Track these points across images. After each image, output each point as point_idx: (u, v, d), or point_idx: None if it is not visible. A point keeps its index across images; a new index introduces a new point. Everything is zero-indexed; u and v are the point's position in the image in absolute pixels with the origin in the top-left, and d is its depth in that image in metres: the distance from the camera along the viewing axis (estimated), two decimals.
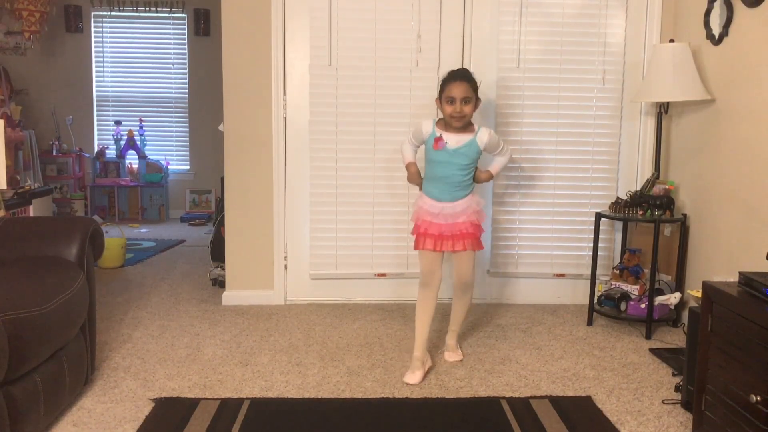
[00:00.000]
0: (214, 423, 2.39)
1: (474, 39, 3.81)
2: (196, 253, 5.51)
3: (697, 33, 3.49)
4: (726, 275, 2.95)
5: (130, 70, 7.43)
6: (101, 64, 7.39)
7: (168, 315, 3.72)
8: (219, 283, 4.27)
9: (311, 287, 3.96)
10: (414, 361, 2.87)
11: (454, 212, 2.93)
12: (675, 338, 3.44)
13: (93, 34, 7.35)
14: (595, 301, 3.64)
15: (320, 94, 3.80)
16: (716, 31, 3.31)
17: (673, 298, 3.44)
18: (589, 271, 3.70)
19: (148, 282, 4.48)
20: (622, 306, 3.54)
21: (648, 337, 3.42)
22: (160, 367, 2.93)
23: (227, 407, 2.52)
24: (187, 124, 7.53)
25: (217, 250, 4.35)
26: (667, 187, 3.51)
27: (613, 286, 3.64)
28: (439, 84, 2.95)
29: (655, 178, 3.66)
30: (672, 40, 3.53)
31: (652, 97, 3.61)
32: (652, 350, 3.24)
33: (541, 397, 2.67)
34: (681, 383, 2.62)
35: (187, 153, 7.58)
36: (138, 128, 7.39)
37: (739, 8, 3.13)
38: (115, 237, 5.02)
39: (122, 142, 7.39)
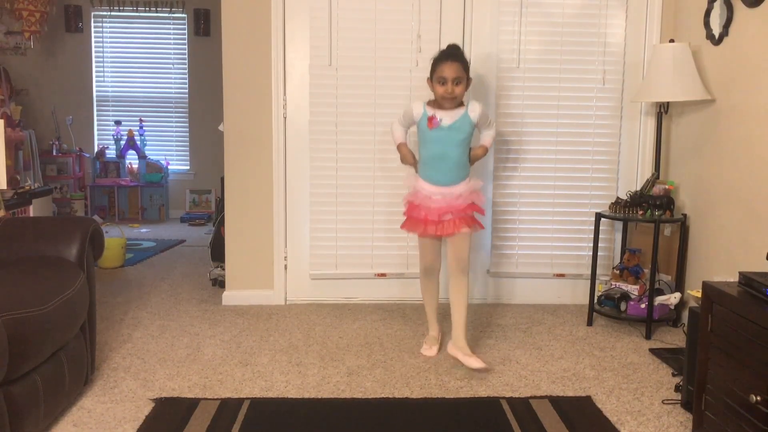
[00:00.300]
0: (214, 423, 2.39)
1: (474, 39, 3.81)
2: (196, 253, 5.51)
3: (697, 33, 3.49)
4: (726, 275, 2.95)
5: (130, 70, 7.43)
6: (101, 64, 7.39)
7: (168, 315, 3.72)
8: (219, 283, 4.27)
9: (311, 287, 3.96)
10: (430, 339, 3.16)
11: (452, 196, 2.95)
12: (675, 338, 3.44)
13: (93, 34, 7.35)
14: (595, 301, 3.64)
15: (320, 94, 3.80)
16: (716, 31, 3.31)
17: (673, 298, 3.44)
18: (589, 271, 3.70)
19: (148, 282, 4.48)
20: (622, 306, 3.54)
21: (648, 337, 3.42)
22: (160, 367, 2.93)
23: (227, 407, 2.52)
24: (187, 124, 7.53)
25: (217, 250, 4.35)
26: (667, 187, 3.51)
27: (613, 286, 3.64)
28: (431, 64, 2.96)
29: (655, 178, 3.65)
30: (672, 40, 3.53)
31: (652, 97, 3.61)
32: (652, 350, 3.23)
33: (541, 397, 2.67)
34: (681, 383, 2.62)
35: (187, 153, 7.58)
36: (138, 128, 7.39)
37: (739, 8, 3.13)
38: (115, 237, 5.02)
39: (122, 142, 7.39)
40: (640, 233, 3.80)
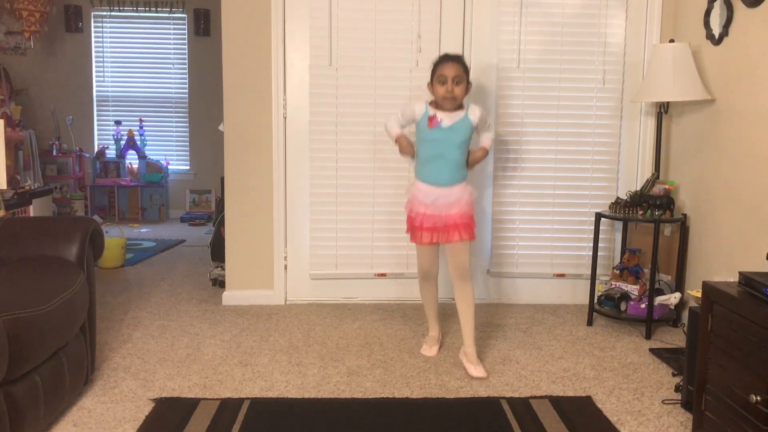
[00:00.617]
0: (214, 423, 2.39)
1: (474, 39, 3.81)
2: (196, 253, 5.51)
3: (697, 33, 3.49)
4: (726, 275, 2.96)
5: (130, 70, 7.43)
6: (101, 64, 7.39)
7: (168, 315, 3.72)
8: (219, 283, 4.27)
9: (311, 287, 3.96)
10: (430, 339, 3.19)
11: (448, 201, 2.93)
12: (675, 338, 3.44)
13: (93, 34, 7.35)
14: (595, 301, 3.64)
15: (320, 94, 3.80)
16: (716, 31, 3.31)
17: (673, 298, 3.44)
18: (589, 271, 3.70)
19: (148, 282, 4.48)
20: (622, 306, 3.54)
21: (648, 337, 3.42)
22: (160, 367, 2.93)
23: (227, 407, 2.52)
24: (187, 124, 7.53)
25: (217, 250, 4.35)
26: (667, 187, 3.51)
27: (613, 286, 3.64)
28: (431, 68, 2.96)
29: (655, 178, 3.65)
30: (672, 40, 3.53)
31: (652, 97, 3.61)
32: (652, 350, 3.23)
33: (541, 397, 2.67)
34: (681, 383, 2.62)
35: (187, 153, 7.58)
36: (138, 128, 7.39)
37: (739, 8, 3.13)
38: (115, 237, 5.02)
39: (122, 142, 7.39)
40: (640, 233, 3.80)
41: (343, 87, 3.80)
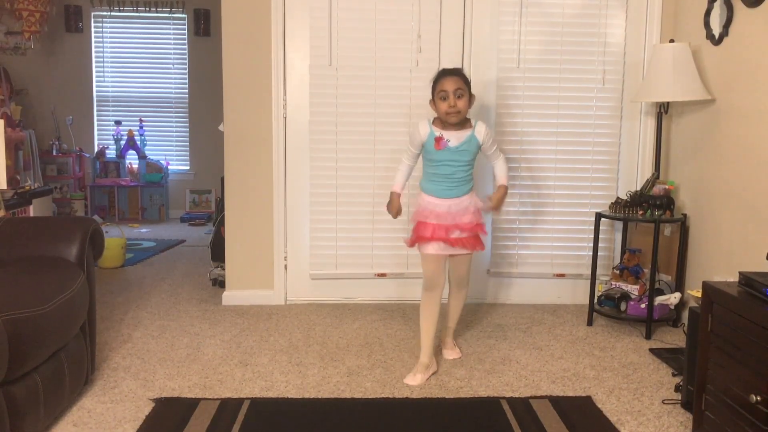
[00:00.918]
0: (214, 423, 2.39)
1: (474, 39, 3.81)
2: (196, 253, 5.51)
3: (697, 33, 3.49)
4: (726, 275, 2.95)
5: (130, 70, 7.43)
6: (101, 64, 7.39)
7: (168, 315, 3.72)
8: (219, 283, 4.27)
9: (311, 287, 3.96)
10: (419, 366, 2.89)
11: (460, 209, 2.89)
12: (675, 338, 3.44)
13: (93, 34, 7.35)
14: (595, 301, 3.64)
15: (320, 94, 3.80)
16: (716, 31, 3.31)
17: (673, 298, 3.44)
18: (589, 271, 3.70)
19: (148, 282, 4.48)
20: (622, 306, 3.54)
21: (648, 337, 3.42)
22: (160, 367, 2.93)
23: (227, 407, 2.52)
24: (187, 124, 7.53)
25: (217, 250, 4.35)
26: (667, 187, 3.51)
27: (613, 286, 3.64)
28: (431, 85, 2.90)
29: (655, 178, 3.65)
30: (672, 40, 3.53)
31: (652, 97, 3.61)
32: (652, 350, 3.23)
33: (541, 397, 2.67)
34: (681, 383, 2.62)
35: (187, 153, 7.58)
36: (138, 128, 7.39)
37: (739, 8, 3.13)
38: (115, 237, 5.02)
39: (122, 142, 7.39)
40: (640, 233, 3.80)
41: (343, 87, 3.80)
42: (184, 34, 7.40)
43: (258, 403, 2.56)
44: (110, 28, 7.37)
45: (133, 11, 7.30)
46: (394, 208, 3.06)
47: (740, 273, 2.14)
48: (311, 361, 3.03)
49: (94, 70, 7.38)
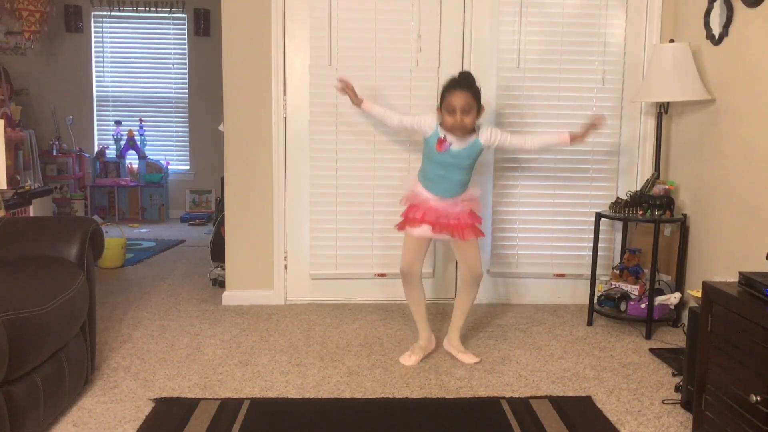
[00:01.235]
0: (214, 423, 2.39)
1: (474, 39, 3.81)
2: (196, 253, 5.51)
3: (697, 33, 3.49)
4: (726, 275, 2.95)
5: (130, 70, 7.44)
6: (101, 64, 7.39)
7: (168, 315, 3.72)
8: (219, 283, 4.27)
9: (311, 287, 3.96)
10: (416, 347, 3.03)
11: (454, 202, 2.95)
12: (675, 338, 3.44)
13: (93, 34, 7.35)
14: (595, 301, 3.64)
15: (320, 94, 3.80)
16: (716, 31, 3.31)
17: (673, 298, 3.44)
18: (589, 271, 3.70)
19: (148, 282, 4.48)
20: (622, 306, 3.54)
21: (648, 337, 3.42)
22: (160, 367, 2.93)
23: (227, 407, 2.52)
24: (187, 124, 7.53)
25: (217, 250, 4.35)
26: (667, 187, 3.51)
27: (613, 286, 3.64)
28: (440, 91, 2.90)
29: (655, 178, 3.65)
30: (672, 40, 3.53)
31: (652, 97, 3.61)
32: (652, 350, 3.23)
33: (541, 397, 2.67)
34: (681, 383, 2.62)
35: (187, 153, 7.58)
36: (138, 128, 7.39)
37: (739, 8, 3.13)
38: (115, 237, 5.02)
39: (122, 142, 7.39)
40: (640, 233, 3.80)
41: None
42: (184, 34, 7.40)
43: (258, 403, 2.56)
44: (110, 28, 7.37)
45: (133, 11, 7.30)
46: (344, 86, 3.18)
47: (740, 273, 2.14)
48: (311, 361, 3.03)
49: (94, 70, 7.38)
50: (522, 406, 2.57)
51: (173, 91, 7.50)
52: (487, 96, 3.82)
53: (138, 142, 7.37)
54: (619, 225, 3.89)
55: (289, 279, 3.95)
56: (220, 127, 3.91)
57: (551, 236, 3.95)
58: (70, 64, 7.30)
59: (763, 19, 2.97)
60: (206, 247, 5.07)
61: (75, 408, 2.50)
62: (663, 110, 3.66)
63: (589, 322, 3.64)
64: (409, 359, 2.97)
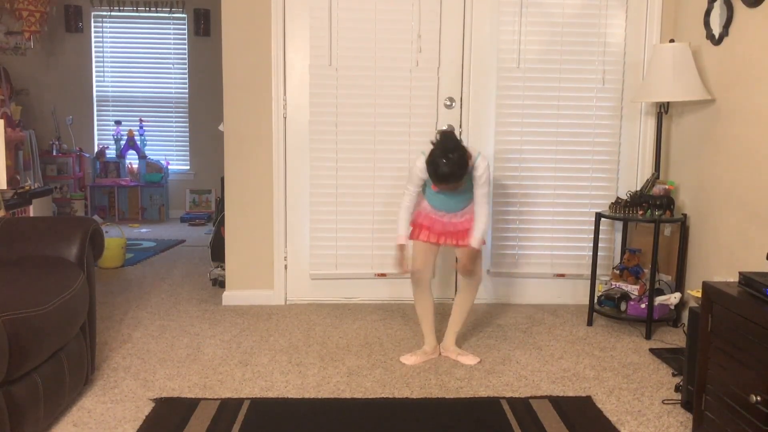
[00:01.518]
0: (214, 423, 2.39)
1: (474, 39, 3.81)
2: (196, 253, 5.51)
3: (697, 33, 3.49)
4: (726, 275, 2.96)
5: (130, 70, 7.44)
6: (101, 64, 7.39)
7: (168, 315, 3.72)
8: (219, 283, 4.27)
9: (311, 287, 3.96)
10: (420, 351, 3.06)
11: (460, 214, 3.00)
12: (675, 338, 3.44)
13: (93, 34, 7.35)
14: (595, 301, 3.64)
15: (320, 94, 3.80)
16: (716, 31, 3.31)
17: (673, 298, 3.44)
18: (589, 271, 3.70)
19: (148, 282, 4.48)
20: (622, 306, 3.54)
21: (648, 337, 3.42)
22: (160, 367, 2.93)
23: (227, 407, 2.52)
24: (187, 124, 7.53)
25: (217, 250, 4.35)
26: (667, 187, 3.51)
27: (613, 286, 3.64)
28: (426, 167, 2.81)
29: (655, 178, 3.65)
30: (672, 40, 3.53)
31: (652, 97, 3.61)
32: (652, 350, 3.23)
33: (541, 397, 2.67)
34: (681, 383, 2.62)
35: (187, 153, 7.58)
36: (138, 128, 7.39)
37: (739, 8, 3.13)
38: (115, 237, 5.02)
39: (122, 142, 7.39)
40: (640, 233, 3.80)
41: (343, 87, 3.80)
42: (184, 34, 7.40)
43: (258, 403, 2.56)
44: (110, 28, 7.37)
45: (133, 11, 7.30)
46: (399, 262, 3.02)
47: (740, 273, 2.14)
48: (311, 361, 3.03)
49: (94, 70, 7.38)
50: (522, 406, 2.57)
51: (173, 91, 7.50)
52: (488, 96, 3.83)
53: (138, 142, 7.37)
54: (619, 225, 3.89)
55: (289, 279, 3.95)
56: (220, 127, 3.91)
57: (551, 236, 3.95)
58: (70, 64, 7.30)
59: (763, 19, 2.97)
60: (206, 247, 5.07)
61: (75, 408, 2.50)
62: (663, 110, 3.66)
63: (589, 322, 3.64)
64: (409, 359, 3.02)
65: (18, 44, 7.05)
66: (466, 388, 2.75)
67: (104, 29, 7.36)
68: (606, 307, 3.60)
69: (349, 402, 2.60)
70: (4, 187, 3.11)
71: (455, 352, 3.09)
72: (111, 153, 7.44)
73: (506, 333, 3.47)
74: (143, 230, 6.76)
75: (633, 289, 3.54)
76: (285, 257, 3.93)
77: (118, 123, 7.39)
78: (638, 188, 3.71)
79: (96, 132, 7.48)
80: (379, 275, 3.95)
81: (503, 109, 3.85)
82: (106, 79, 7.42)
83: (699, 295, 2.34)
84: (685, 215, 3.55)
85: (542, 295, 4.01)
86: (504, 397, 2.65)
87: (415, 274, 3.04)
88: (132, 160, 7.42)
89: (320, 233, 3.90)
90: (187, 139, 7.55)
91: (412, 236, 3.04)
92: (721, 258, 3.28)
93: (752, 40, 3.04)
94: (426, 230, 2.99)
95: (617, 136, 3.90)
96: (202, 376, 2.84)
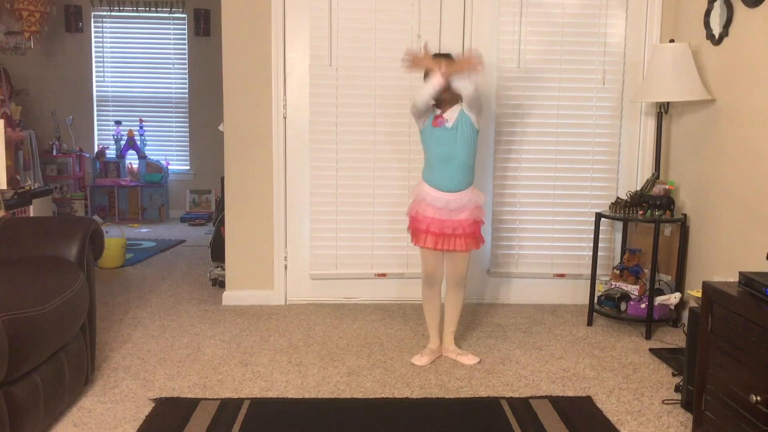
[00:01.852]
0: (214, 423, 2.39)
1: (474, 39, 3.81)
2: (196, 253, 5.51)
3: (697, 33, 3.49)
4: (726, 275, 2.95)
5: (130, 70, 7.43)
6: (101, 64, 7.39)
7: (168, 315, 3.72)
8: (219, 283, 4.27)
9: (311, 287, 3.96)
10: (428, 350, 3.08)
11: (459, 206, 2.94)
12: (675, 338, 3.44)
13: (93, 34, 7.35)
14: (595, 301, 3.64)
15: (320, 94, 3.80)
16: (716, 31, 3.31)
17: (673, 298, 3.44)
18: (589, 271, 3.70)
19: (148, 282, 4.48)
20: (622, 306, 3.54)
21: (648, 337, 3.42)
22: (160, 367, 2.93)
23: (227, 407, 2.52)
24: (187, 124, 7.53)
25: (217, 250, 4.35)
26: (667, 187, 3.51)
27: (613, 286, 3.64)
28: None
29: (655, 178, 3.66)
30: (672, 40, 3.53)
31: (652, 97, 3.61)
32: (652, 350, 3.23)
33: (541, 397, 2.67)
34: (681, 383, 2.62)
35: (187, 153, 7.58)
36: (138, 128, 7.39)
37: (739, 8, 3.13)
38: (115, 237, 5.02)
39: (122, 142, 7.39)
40: (640, 233, 3.80)
41: (343, 87, 3.80)
42: (184, 34, 7.39)
43: (258, 403, 2.56)
44: (110, 28, 7.37)
45: (133, 11, 7.30)
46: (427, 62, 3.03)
47: (740, 273, 2.14)
48: (311, 361, 3.03)
49: (94, 70, 7.37)
50: (522, 406, 2.57)
51: (173, 91, 7.50)
52: (488, 96, 3.82)
53: (138, 142, 7.37)
54: (619, 225, 3.89)
55: (289, 279, 3.95)
56: (220, 127, 3.91)
57: (551, 236, 3.95)
58: (70, 64, 7.29)
59: (763, 19, 2.97)
60: (206, 247, 5.07)
61: (75, 408, 2.50)
62: (663, 110, 3.66)
63: (589, 322, 3.64)
64: (421, 359, 3.04)
65: (18, 44, 7.04)
66: (466, 388, 2.75)
67: (104, 29, 7.36)
68: (606, 307, 3.60)
69: (349, 402, 2.60)
70: (4, 187, 3.10)
71: (455, 352, 3.09)
72: (111, 153, 7.44)
73: (506, 333, 3.47)
74: (143, 230, 6.76)
75: (633, 289, 3.54)
76: (285, 257, 3.93)
77: (118, 123, 7.39)
78: (638, 188, 3.71)
79: (96, 132, 7.48)
80: (379, 275, 3.95)
81: (503, 108, 3.85)
82: (106, 79, 7.42)
83: (699, 295, 2.34)
84: (685, 215, 3.55)
85: (542, 295, 4.01)
86: (504, 397, 2.65)
87: (429, 274, 3.06)
88: (132, 160, 7.42)
89: (320, 233, 3.90)
90: (187, 139, 7.55)
91: (417, 242, 3.03)
92: (721, 258, 3.28)
93: (752, 40, 3.04)
94: (431, 236, 2.97)
95: (617, 136, 3.90)
96: (202, 376, 2.84)
